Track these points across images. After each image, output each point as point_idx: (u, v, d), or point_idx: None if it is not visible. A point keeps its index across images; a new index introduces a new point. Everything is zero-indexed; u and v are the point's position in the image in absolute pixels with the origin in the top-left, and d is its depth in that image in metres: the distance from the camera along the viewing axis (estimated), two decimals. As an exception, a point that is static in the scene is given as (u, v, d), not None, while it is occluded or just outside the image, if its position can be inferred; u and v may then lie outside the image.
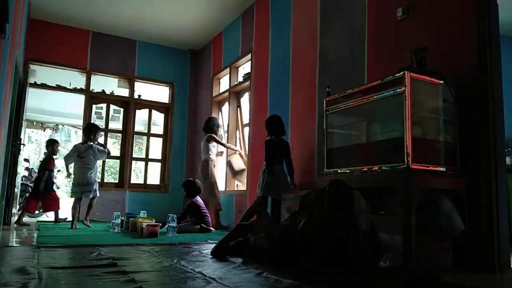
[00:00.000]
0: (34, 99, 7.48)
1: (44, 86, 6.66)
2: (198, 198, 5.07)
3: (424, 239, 2.44)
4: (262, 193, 4.11)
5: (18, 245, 3.31)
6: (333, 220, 2.36)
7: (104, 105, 7.21)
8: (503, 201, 2.53)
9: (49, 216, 7.44)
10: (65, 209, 8.38)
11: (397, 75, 2.53)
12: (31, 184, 7.69)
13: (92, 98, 6.86)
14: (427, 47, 2.65)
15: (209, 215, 5.10)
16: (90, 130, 5.22)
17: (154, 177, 7.36)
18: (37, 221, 6.02)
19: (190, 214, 4.95)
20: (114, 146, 9.19)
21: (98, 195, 5.17)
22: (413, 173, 2.39)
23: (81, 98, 6.85)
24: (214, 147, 5.56)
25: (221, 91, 6.61)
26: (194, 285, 1.90)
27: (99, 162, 5.40)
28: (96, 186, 5.13)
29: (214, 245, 3.03)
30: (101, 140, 6.92)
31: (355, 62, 3.69)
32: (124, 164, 6.92)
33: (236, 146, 5.99)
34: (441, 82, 2.61)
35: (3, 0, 2.64)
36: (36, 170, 7.87)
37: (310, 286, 1.86)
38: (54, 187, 5.92)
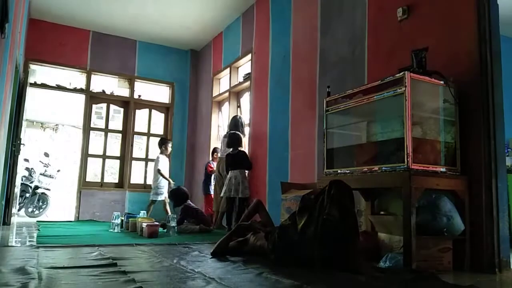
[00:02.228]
0: (34, 99, 7.47)
1: (44, 86, 6.66)
2: (188, 202, 5.15)
3: (424, 239, 2.44)
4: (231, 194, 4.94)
5: (19, 245, 3.31)
6: (333, 220, 2.36)
7: (104, 105, 7.21)
8: (503, 202, 2.53)
9: (48, 216, 7.46)
10: (61, 208, 8.38)
11: (397, 75, 2.53)
12: (31, 184, 7.71)
13: (92, 98, 6.86)
14: (427, 47, 2.65)
15: (206, 215, 5.12)
16: (159, 143, 6.10)
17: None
18: (37, 221, 6.01)
19: (187, 218, 4.96)
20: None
21: (155, 199, 5.84)
22: (413, 174, 2.39)
23: (81, 98, 6.85)
24: None
25: (221, 91, 6.60)
26: (194, 285, 1.90)
27: (164, 171, 5.96)
28: (154, 191, 5.86)
29: (214, 245, 3.03)
30: (101, 140, 6.94)
31: (355, 62, 3.68)
32: (124, 164, 6.92)
33: None
34: (441, 82, 2.61)
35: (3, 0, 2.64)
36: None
37: (310, 286, 1.86)
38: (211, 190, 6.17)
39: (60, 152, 11.56)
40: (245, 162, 5.11)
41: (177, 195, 5.18)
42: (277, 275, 2.10)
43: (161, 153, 5.99)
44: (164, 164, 5.97)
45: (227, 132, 5.51)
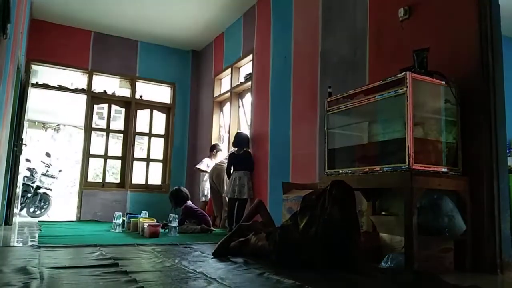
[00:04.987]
0: (36, 99, 7.49)
1: (45, 86, 6.67)
2: (189, 202, 5.13)
3: (426, 239, 2.44)
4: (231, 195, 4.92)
5: (20, 245, 3.32)
6: (334, 220, 2.36)
7: (105, 105, 7.22)
8: (504, 202, 2.52)
9: (50, 216, 7.47)
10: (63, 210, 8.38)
11: (398, 75, 2.53)
12: (32, 184, 7.72)
13: (94, 98, 6.86)
14: (429, 47, 2.65)
15: (207, 215, 5.12)
16: (211, 148, 6.11)
17: (155, 177, 7.37)
18: (39, 221, 6.03)
19: (188, 219, 4.96)
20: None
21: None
22: (415, 174, 2.38)
23: (82, 98, 6.86)
24: None
25: (222, 92, 6.61)
26: (195, 286, 1.90)
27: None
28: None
29: (215, 245, 3.03)
30: (102, 140, 6.96)
31: (357, 62, 3.68)
32: (125, 164, 6.93)
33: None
34: (443, 82, 2.61)
35: (5, 0, 2.64)
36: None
37: (312, 287, 1.86)
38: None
39: (62, 152, 11.57)
40: (251, 163, 5.09)
41: (177, 196, 5.18)
42: (278, 275, 2.10)
43: (209, 157, 6.05)
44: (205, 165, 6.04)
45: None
